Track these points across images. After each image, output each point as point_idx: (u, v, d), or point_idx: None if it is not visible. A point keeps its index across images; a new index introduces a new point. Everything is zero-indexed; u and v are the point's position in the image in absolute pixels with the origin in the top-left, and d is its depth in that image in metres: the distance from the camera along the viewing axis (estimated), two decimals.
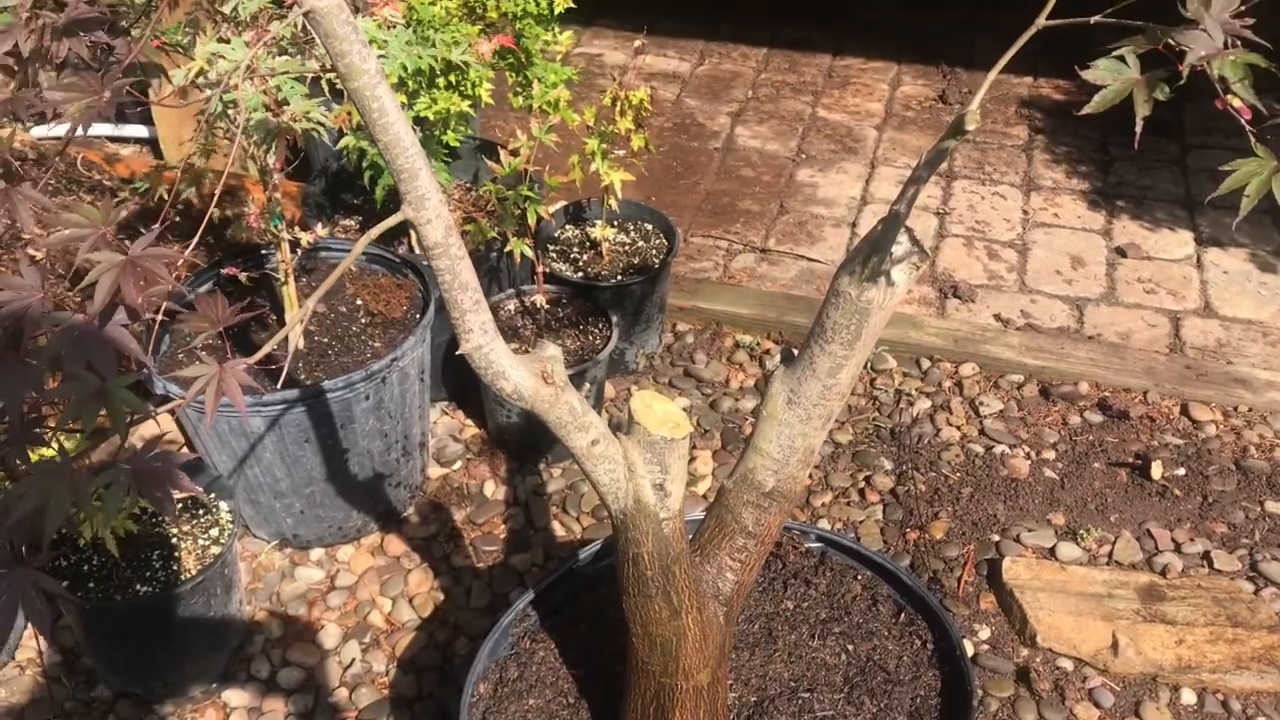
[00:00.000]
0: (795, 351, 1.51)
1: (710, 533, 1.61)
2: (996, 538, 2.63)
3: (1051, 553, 2.58)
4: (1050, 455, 2.85)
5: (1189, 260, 3.55)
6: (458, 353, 1.31)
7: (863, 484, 2.77)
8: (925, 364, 3.14)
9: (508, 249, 2.59)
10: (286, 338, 2.41)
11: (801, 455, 1.53)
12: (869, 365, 3.12)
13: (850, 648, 1.92)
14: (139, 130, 3.78)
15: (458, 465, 2.80)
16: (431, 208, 1.22)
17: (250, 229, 2.21)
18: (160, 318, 1.57)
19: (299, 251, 2.42)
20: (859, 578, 2.04)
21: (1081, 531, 2.62)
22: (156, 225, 1.23)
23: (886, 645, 1.92)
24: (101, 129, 3.77)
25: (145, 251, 1.12)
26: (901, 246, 1.35)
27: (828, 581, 2.03)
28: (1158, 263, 3.54)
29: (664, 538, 1.48)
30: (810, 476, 2.77)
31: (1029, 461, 2.84)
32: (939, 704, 1.82)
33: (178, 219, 3.14)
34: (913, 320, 3.23)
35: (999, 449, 2.87)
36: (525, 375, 1.33)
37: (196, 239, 1.47)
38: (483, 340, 1.30)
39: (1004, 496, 2.73)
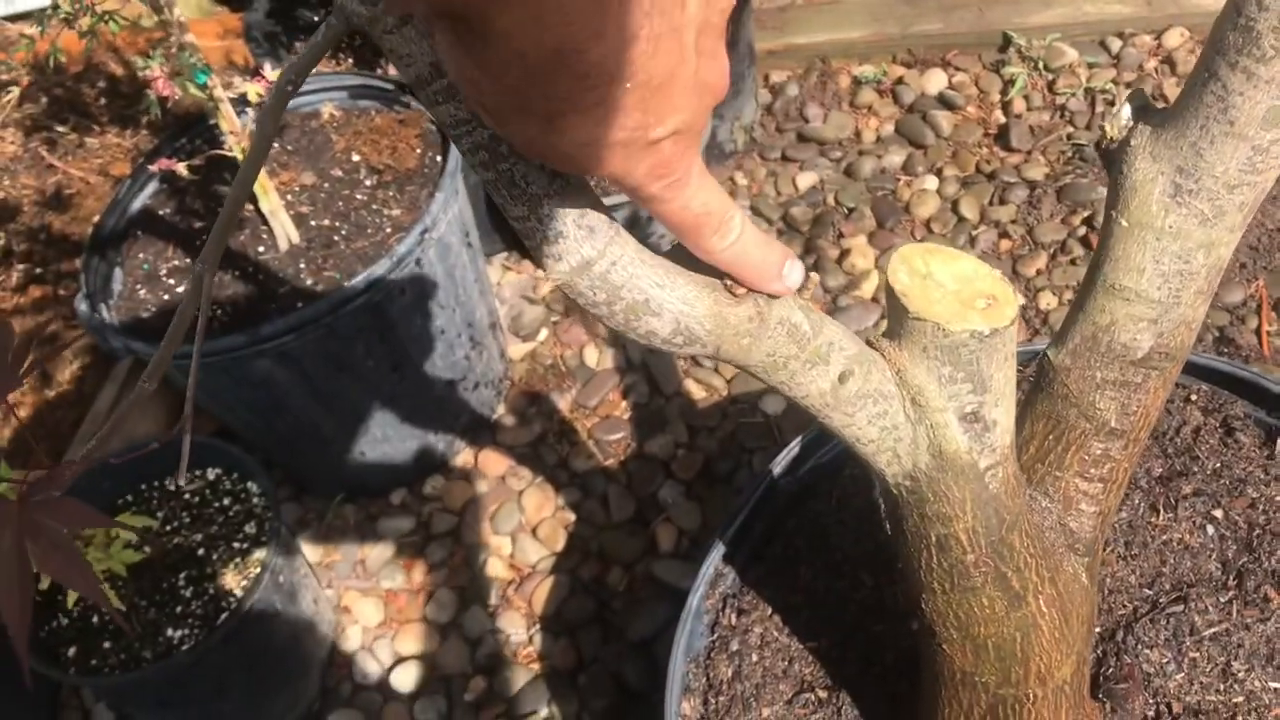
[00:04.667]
0: (1152, 96, 0.77)
1: (1039, 444, 0.92)
2: None
3: None
4: None
5: None
6: (549, 286, 0.60)
7: (1083, 230, 2.03)
8: (1115, 45, 2.31)
9: None
10: (273, 232, 1.71)
11: (1204, 281, 0.81)
12: (1040, 64, 2.32)
13: (1216, 513, 1.25)
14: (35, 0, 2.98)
15: (543, 335, 2.12)
16: None
17: (162, 100, 1.49)
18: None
19: (249, 111, 1.69)
20: (1193, 398, 1.34)
21: None
22: None
23: (1271, 495, 1.25)
24: None
25: None
26: None
27: None
28: None
29: (991, 499, 0.79)
30: (1000, 229, 2.04)
31: None
32: None
33: (102, 99, 2.40)
34: None
35: None
36: (691, 295, 0.62)
37: None
38: (590, 250, 0.59)
39: None
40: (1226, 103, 0.72)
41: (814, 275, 2.09)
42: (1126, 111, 0.80)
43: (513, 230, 0.81)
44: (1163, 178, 0.77)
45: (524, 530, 1.87)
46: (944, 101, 2.32)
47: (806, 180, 2.26)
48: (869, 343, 0.74)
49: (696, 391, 1.99)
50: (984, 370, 0.73)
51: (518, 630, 1.76)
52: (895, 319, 0.73)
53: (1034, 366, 0.93)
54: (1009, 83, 2.31)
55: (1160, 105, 0.78)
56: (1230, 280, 1.88)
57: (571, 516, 1.87)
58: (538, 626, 1.76)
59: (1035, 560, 0.86)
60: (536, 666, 1.72)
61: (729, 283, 0.63)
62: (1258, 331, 1.82)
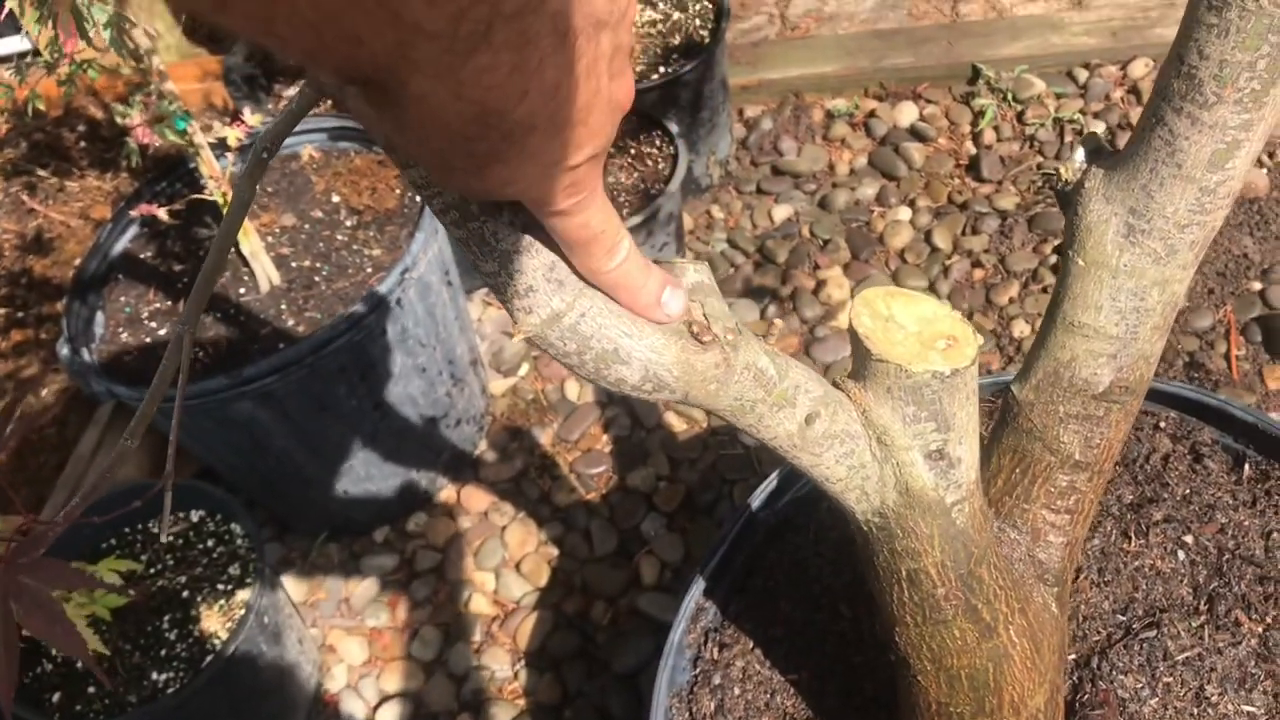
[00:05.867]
0: (1106, 138, 0.80)
1: (1006, 477, 0.94)
2: (1258, 285, 1.93)
3: None
4: None
5: None
6: (517, 338, 0.62)
7: (1054, 258, 2.06)
8: (1081, 75, 2.36)
9: None
10: (254, 274, 1.73)
11: (1159, 318, 0.83)
12: (1009, 96, 2.36)
13: (1187, 539, 1.27)
14: (18, 43, 2.99)
15: (524, 370, 2.14)
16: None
17: (142, 147, 1.50)
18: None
19: (229, 155, 1.71)
20: (1162, 425, 1.37)
21: None
22: None
23: (1239, 520, 1.27)
24: None
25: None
26: None
27: None
28: None
29: (958, 534, 0.81)
30: (973, 259, 2.07)
31: (1264, 170, 2.10)
32: None
33: (82, 143, 2.41)
34: (1048, 21, 2.43)
35: None
36: (659, 344, 0.64)
37: None
38: (559, 302, 0.61)
39: (1247, 226, 2.01)
40: (1174, 146, 0.75)
41: (789, 307, 2.11)
42: (1080, 154, 0.82)
43: None
44: (1116, 218, 0.80)
45: (507, 566, 1.88)
46: (915, 134, 2.36)
47: (782, 213, 2.28)
48: (835, 384, 0.76)
49: (677, 424, 2.00)
50: (947, 409, 0.75)
51: (502, 666, 1.77)
52: (859, 361, 0.75)
53: (1001, 402, 0.95)
54: (979, 114, 2.34)
55: (1113, 149, 0.80)
56: (1199, 306, 1.92)
57: (554, 551, 1.88)
58: (522, 662, 1.77)
59: (1005, 592, 0.88)
60: (522, 702, 1.72)
61: (695, 330, 0.65)
62: (1227, 356, 1.85)
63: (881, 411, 0.75)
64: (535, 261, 0.59)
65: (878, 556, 0.83)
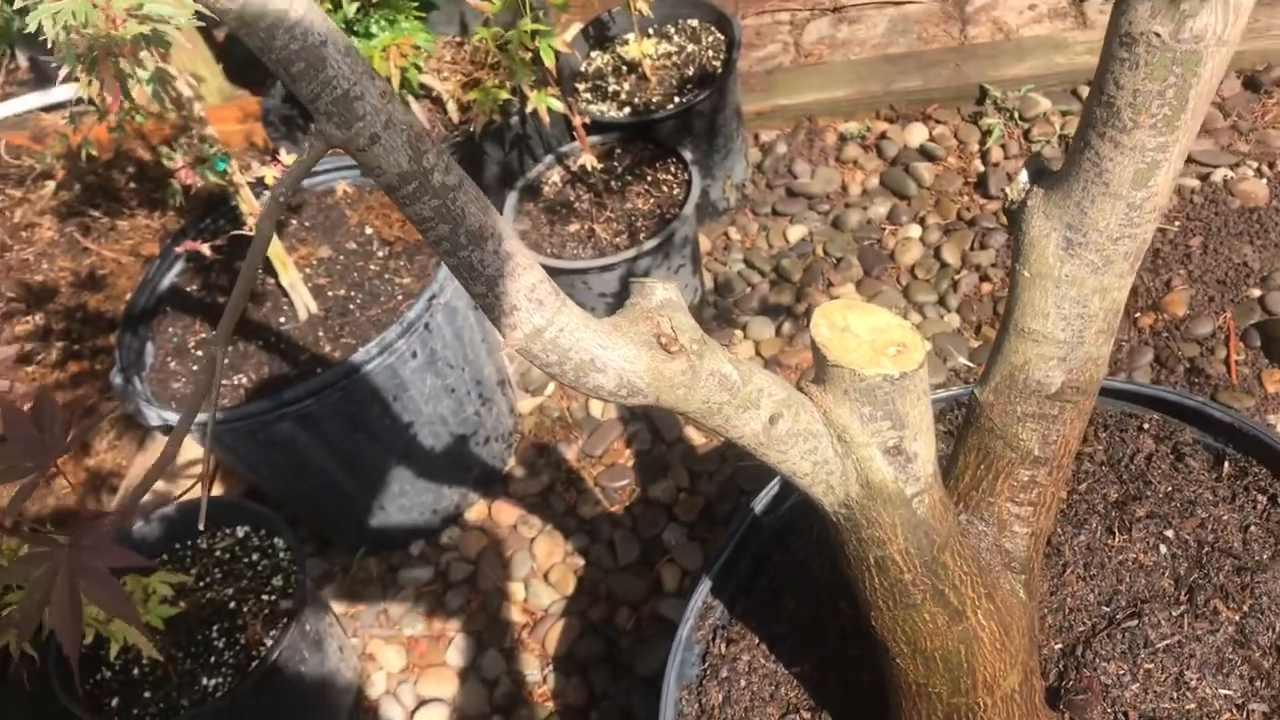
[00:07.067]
0: (1047, 161, 0.88)
1: (972, 473, 1.02)
2: (1257, 291, 1.99)
3: None
4: None
5: None
6: (506, 350, 0.72)
7: None
8: (1085, 92, 2.43)
9: (530, 108, 1.94)
10: (293, 304, 1.84)
11: (1102, 322, 0.91)
12: (1016, 115, 2.43)
13: (1168, 534, 1.34)
14: (70, 90, 3.16)
15: (550, 389, 2.24)
16: (369, 111, 0.62)
17: (185, 187, 1.62)
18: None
19: (267, 193, 1.82)
20: (1145, 426, 1.44)
21: None
22: None
23: (1219, 515, 1.33)
24: (27, 100, 3.16)
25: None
26: None
27: (1104, 444, 1.43)
28: None
29: (920, 523, 0.89)
30: (981, 273, 2.14)
31: (1264, 179, 2.16)
32: None
33: (131, 184, 2.55)
34: (1052, 42, 2.50)
35: (1218, 174, 2.19)
36: (631, 354, 0.73)
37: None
38: (540, 319, 0.70)
39: (1247, 234, 2.07)
40: (1101, 167, 0.83)
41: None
42: (1024, 176, 0.91)
43: None
44: (1055, 233, 0.88)
45: (536, 576, 1.97)
46: (925, 153, 2.44)
47: (796, 233, 2.37)
48: (799, 387, 0.85)
49: (696, 438, 2.09)
50: (899, 408, 0.83)
51: (532, 670, 1.86)
52: (819, 366, 0.83)
53: (966, 402, 1.03)
54: (986, 133, 2.42)
55: (1048, 165, 0.89)
56: (1200, 314, 1.98)
57: (580, 561, 1.97)
58: (551, 666, 1.85)
59: (970, 578, 0.96)
60: (551, 704, 1.81)
61: (664, 341, 0.74)
62: (1226, 361, 1.90)
63: (840, 412, 0.83)
64: (517, 284, 0.69)
65: (848, 545, 0.92)
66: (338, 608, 2.00)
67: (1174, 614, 1.27)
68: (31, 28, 1.12)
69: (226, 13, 0.59)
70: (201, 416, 1.53)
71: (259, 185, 1.84)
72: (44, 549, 0.60)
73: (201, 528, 0.70)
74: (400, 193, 0.66)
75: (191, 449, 2.17)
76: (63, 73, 1.21)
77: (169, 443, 0.69)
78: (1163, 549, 1.33)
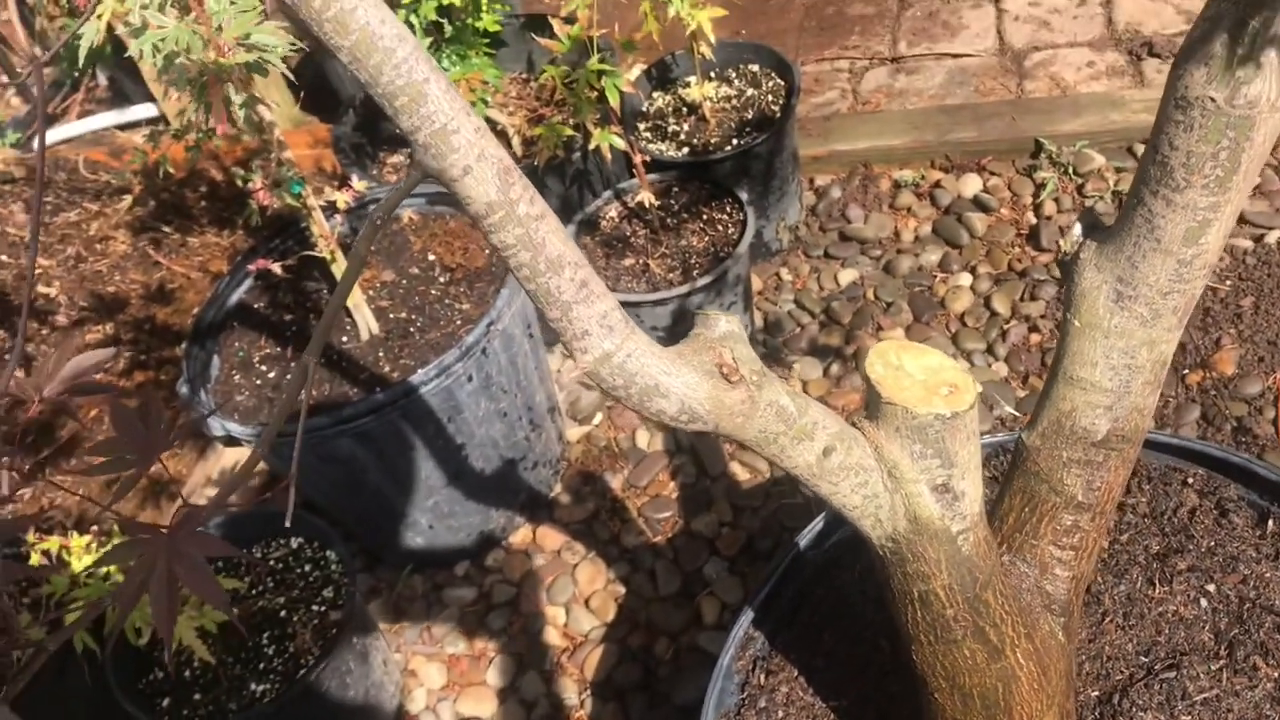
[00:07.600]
0: (1100, 215, 0.91)
1: (1016, 515, 1.05)
2: None
3: None
4: None
5: None
6: (575, 375, 0.76)
7: None
8: (1140, 150, 2.45)
9: (592, 145, 2.00)
10: (356, 324, 1.90)
11: (1149, 374, 0.94)
12: (1070, 169, 2.46)
13: (1210, 588, 1.35)
14: (147, 110, 3.27)
15: (599, 419, 2.28)
16: (464, 144, 0.66)
17: (262, 208, 1.69)
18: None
19: (337, 216, 1.89)
20: (1189, 481, 1.45)
21: None
22: None
23: (1261, 573, 1.34)
24: (105, 118, 3.28)
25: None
26: None
27: (1148, 496, 1.45)
28: None
29: (964, 560, 0.92)
30: (1030, 324, 2.16)
31: None
32: None
33: (203, 202, 2.64)
34: (1109, 99, 2.53)
35: (1272, 235, 2.20)
36: (693, 381, 0.77)
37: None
38: (609, 344, 0.74)
39: None
40: (1153, 224, 0.86)
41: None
42: (1078, 229, 0.94)
43: None
44: (1106, 285, 0.91)
45: (577, 601, 2.00)
46: (978, 204, 2.47)
47: (847, 276, 2.41)
48: (852, 422, 0.88)
49: (741, 473, 2.12)
50: (949, 447, 0.86)
51: (570, 695, 1.88)
52: (872, 403, 0.87)
53: (1014, 447, 1.06)
54: (1040, 186, 2.45)
55: (1101, 219, 0.92)
56: (1249, 373, 1.98)
57: (622, 589, 2.00)
58: (589, 691, 1.88)
59: (1011, 617, 0.98)
60: None
61: (725, 371, 0.78)
62: (1274, 422, 1.91)
63: (892, 448, 0.87)
64: (590, 310, 0.73)
65: (893, 579, 0.95)
66: (382, 623, 2.04)
67: (1213, 668, 1.28)
68: (133, 53, 1.19)
69: (340, 49, 0.64)
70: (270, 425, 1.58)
71: (329, 208, 1.91)
72: (145, 536, 0.65)
73: (288, 524, 0.74)
74: (487, 221, 0.70)
75: (238, 458, 2.23)
76: (160, 94, 1.28)
77: (258, 445, 0.73)
78: (1203, 603, 1.34)
